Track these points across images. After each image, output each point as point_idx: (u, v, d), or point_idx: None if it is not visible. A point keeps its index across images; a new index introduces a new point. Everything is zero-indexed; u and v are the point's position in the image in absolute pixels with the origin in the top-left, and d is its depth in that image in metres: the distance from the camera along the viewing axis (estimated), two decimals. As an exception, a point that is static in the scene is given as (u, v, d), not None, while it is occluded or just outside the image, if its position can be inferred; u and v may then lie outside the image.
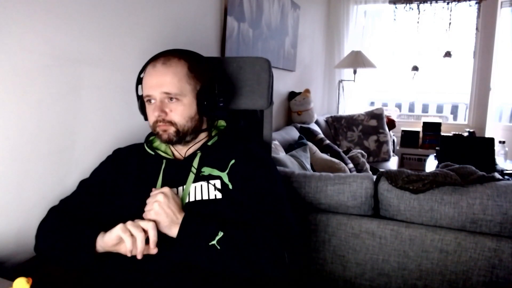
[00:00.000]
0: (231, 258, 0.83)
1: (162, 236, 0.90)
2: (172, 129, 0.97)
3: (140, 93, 1.05)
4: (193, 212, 0.91)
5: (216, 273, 0.87)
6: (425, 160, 3.45)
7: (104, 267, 0.91)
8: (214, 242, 0.82)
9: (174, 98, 0.96)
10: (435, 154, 3.18)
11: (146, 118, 1.06)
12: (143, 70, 1.04)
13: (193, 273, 0.87)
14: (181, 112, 0.97)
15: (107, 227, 0.90)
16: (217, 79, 1.05)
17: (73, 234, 0.91)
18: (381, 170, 1.45)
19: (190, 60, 1.01)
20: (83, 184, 1.06)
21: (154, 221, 0.86)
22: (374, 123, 3.58)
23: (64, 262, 0.94)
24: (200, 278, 0.86)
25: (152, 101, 0.98)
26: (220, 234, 0.83)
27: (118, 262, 0.90)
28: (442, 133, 3.95)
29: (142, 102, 1.04)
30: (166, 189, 0.90)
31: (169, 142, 0.99)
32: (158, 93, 0.96)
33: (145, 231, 0.83)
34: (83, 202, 1.02)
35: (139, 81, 1.05)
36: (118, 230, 0.83)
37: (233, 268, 0.85)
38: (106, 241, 0.86)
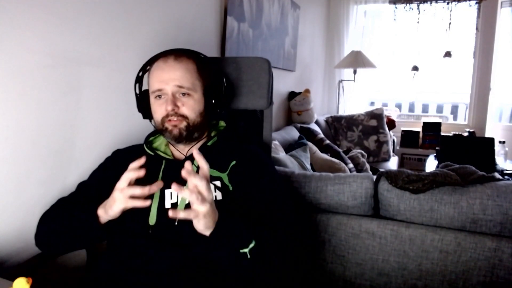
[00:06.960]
0: (259, 268, 0.83)
1: (162, 237, 0.90)
2: (183, 124, 0.97)
3: (138, 92, 1.06)
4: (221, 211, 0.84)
5: (218, 273, 0.87)
6: (425, 160, 3.44)
7: (104, 265, 0.91)
8: (246, 250, 0.80)
9: (186, 93, 0.97)
10: (435, 154, 3.18)
11: (145, 116, 1.06)
12: (144, 68, 1.05)
13: (194, 274, 0.86)
14: (193, 106, 0.98)
15: (106, 228, 0.89)
16: (221, 79, 1.07)
17: (75, 212, 0.92)
18: (381, 170, 1.45)
19: (198, 59, 1.04)
20: (81, 186, 1.06)
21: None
22: (374, 123, 3.58)
23: (68, 243, 0.95)
24: (201, 278, 0.86)
25: (162, 96, 0.98)
26: (253, 243, 0.81)
27: (118, 262, 0.90)
28: (442, 133, 3.95)
29: (142, 99, 1.04)
30: (207, 184, 0.77)
31: (179, 137, 0.98)
32: (171, 86, 0.96)
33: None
34: (81, 203, 1.02)
35: (138, 79, 1.06)
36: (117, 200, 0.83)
37: (259, 277, 0.86)
38: (109, 203, 0.85)
